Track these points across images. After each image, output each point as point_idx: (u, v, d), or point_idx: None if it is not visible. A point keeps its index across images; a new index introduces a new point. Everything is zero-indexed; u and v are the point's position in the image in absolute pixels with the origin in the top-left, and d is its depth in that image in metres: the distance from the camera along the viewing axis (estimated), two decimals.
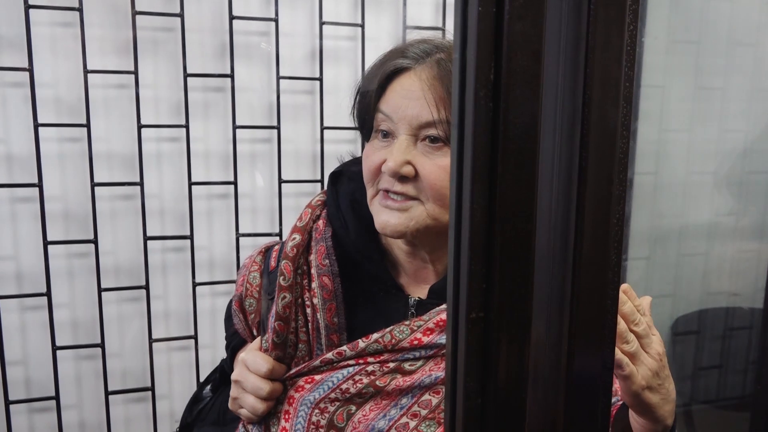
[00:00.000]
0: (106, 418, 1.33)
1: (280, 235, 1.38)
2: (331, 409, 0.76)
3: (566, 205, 0.34)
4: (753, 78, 1.59)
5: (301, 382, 0.78)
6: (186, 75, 1.27)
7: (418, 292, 0.82)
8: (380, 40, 1.41)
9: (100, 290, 1.28)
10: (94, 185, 1.25)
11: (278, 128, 1.34)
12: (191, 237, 1.32)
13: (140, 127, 1.26)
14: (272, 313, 0.78)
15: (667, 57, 1.61)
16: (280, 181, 1.37)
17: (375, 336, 0.76)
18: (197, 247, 1.35)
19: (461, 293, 0.33)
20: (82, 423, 1.36)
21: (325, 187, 0.86)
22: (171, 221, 1.34)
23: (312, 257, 0.80)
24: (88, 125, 1.23)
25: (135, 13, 1.22)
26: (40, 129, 1.21)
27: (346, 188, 0.83)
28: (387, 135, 0.74)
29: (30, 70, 1.18)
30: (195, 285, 1.34)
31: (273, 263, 0.84)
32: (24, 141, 1.23)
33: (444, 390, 0.71)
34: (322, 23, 1.34)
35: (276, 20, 1.31)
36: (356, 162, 0.84)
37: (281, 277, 0.77)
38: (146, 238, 1.29)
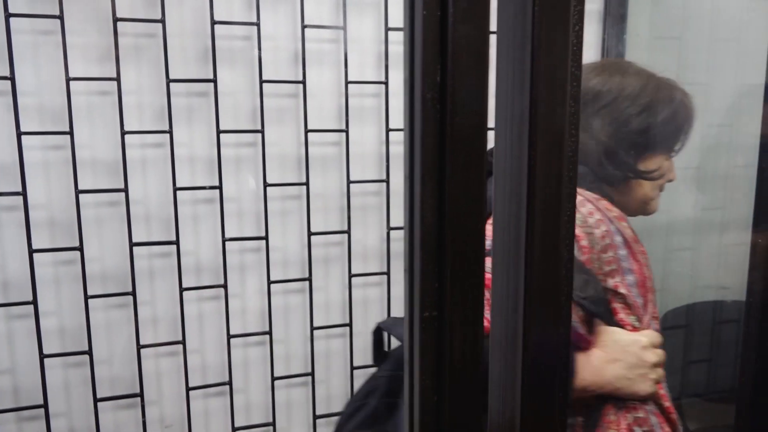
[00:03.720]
0: (95, 425, 1.33)
1: (266, 238, 1.38)
2: None
3: (517, 204, 0.34)
4: (736, 73, 1.60)
5: None
6: (168, 80, 1.27)
7: None
8: (362, 42, 1.42)
9: (86, 297, 1.28)
10: (78, 192, 1.25)
11: (262, 132, 1.35)
12: (177, 242, 1.33)
13: (124, 133, 1.26)
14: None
15: (649, 53, 1.61)
16: (266, 185, 1.37)
17: None
18: (183, 252, 1.35)
19: (415, 292, 0.34)
20: (71, 430, 1.36)
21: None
22: (157, 227, 1.35)
23: None
24: (71, 132, 1.23)
25: (116, 19, 1.22)
26: (23, 137, 1.21)
27: None
28: None
29: (12, 78, 1.18)
30: (182, 290, 1.34)
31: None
32: (7, 149, 1.23)
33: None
34: (304, 26, 1.34)
35: (258, 24, 1.31)
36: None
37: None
38: (132, 244, 1.29)
